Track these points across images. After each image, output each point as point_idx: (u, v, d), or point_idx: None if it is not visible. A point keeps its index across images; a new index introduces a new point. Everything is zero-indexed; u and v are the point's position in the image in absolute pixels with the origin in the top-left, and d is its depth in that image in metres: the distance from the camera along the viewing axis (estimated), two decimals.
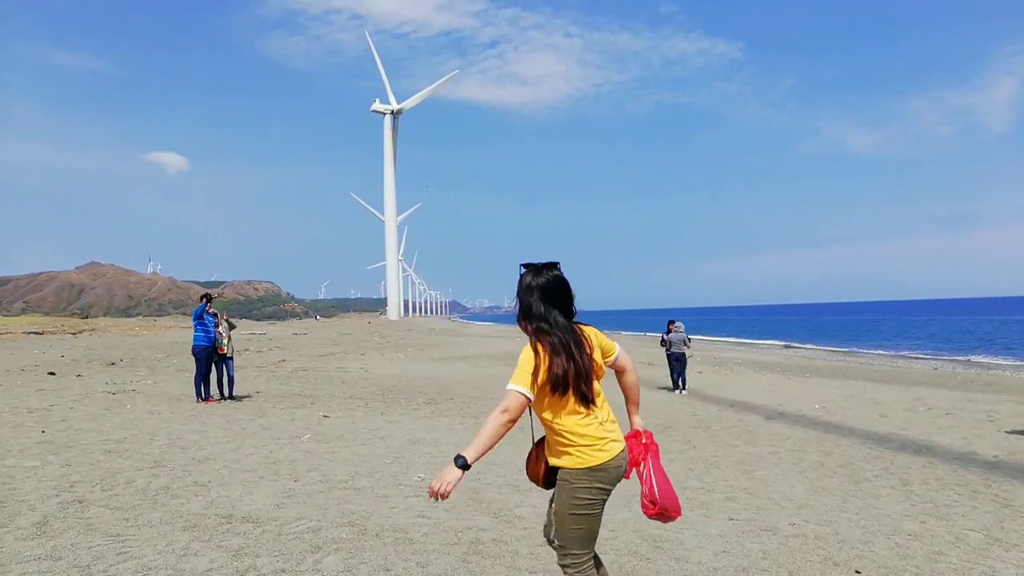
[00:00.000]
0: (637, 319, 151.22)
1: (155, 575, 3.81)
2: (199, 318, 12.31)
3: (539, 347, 2.77)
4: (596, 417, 2.83)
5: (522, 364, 2.74)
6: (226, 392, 12.71)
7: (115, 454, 7.15)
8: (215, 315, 12.60)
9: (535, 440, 3.01)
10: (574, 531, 2.80)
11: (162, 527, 4.61)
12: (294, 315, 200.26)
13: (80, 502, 5.15)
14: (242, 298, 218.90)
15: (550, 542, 2.94)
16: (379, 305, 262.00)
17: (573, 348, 2.79)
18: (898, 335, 56.87)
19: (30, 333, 35.18)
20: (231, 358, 12.89)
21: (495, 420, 2.63)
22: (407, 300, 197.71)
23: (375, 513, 5.13)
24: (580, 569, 2.84)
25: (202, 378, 12.32)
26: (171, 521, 4.73)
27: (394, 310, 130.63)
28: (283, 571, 3.91)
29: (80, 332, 40.18)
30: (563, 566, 2.86)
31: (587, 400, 2.81)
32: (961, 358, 32.73)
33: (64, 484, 5.71)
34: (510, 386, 2.69)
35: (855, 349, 40.86)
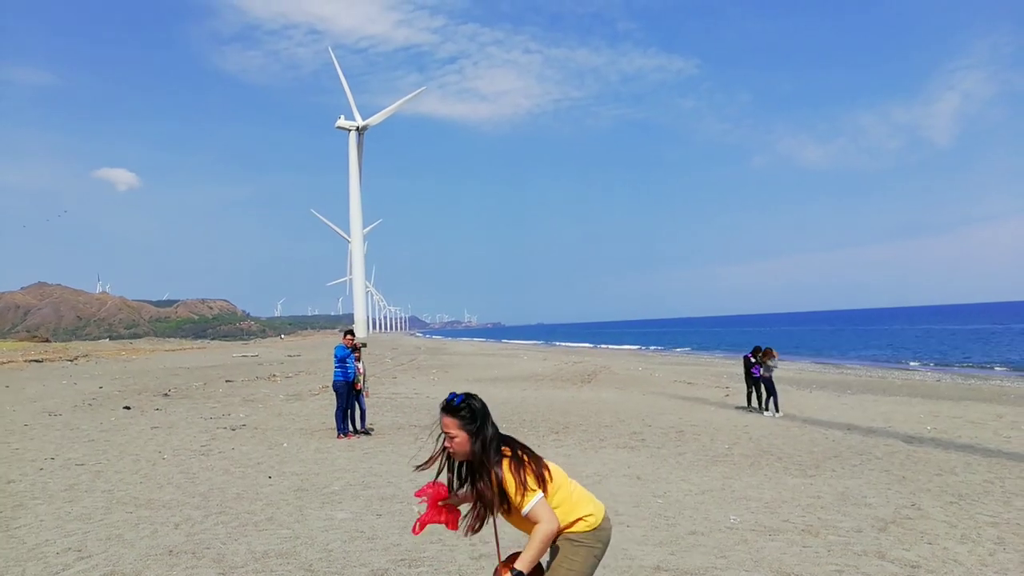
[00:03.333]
0: (610, 332, 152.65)
1: None
2: (343, 360, 12.32)
3: (516, 453, 2.98)
4: None
5: (526, 476, 2.90)
6: (359, 425, 12.71)
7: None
8: (356, 348, 12.62)
9: (504, 559, 3.06)
10: None
11: None
12: (251, 333, 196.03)
13: None
14: (196, 317, 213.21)
15: None
16: (338, 322, 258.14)
17: None
18: (867, 345, 58.91)
19: (32, 361, 33.94)
20: (364, 393, 12.91)
21: (549, 533, 2.86)
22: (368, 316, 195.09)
23: (774, 557, 5.39)
24: None
25: (343, 413, 12.32)
26: None
27: (361, 327, 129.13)
28: None
29: (76, 359, 38.88)
30: None
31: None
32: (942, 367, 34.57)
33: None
34: (534, 500, 2.86)
35: (836, 361, 42.15)
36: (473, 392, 3.05)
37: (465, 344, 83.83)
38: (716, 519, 6.62)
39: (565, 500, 2.99)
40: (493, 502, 2.92)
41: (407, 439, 12.02)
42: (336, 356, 12.46)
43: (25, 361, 33.75)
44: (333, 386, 12.44)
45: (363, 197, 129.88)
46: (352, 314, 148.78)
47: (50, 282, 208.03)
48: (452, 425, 2.96)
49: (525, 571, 2.83)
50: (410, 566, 5.16)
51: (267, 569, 5.15)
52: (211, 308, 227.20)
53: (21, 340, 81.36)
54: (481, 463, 2.95)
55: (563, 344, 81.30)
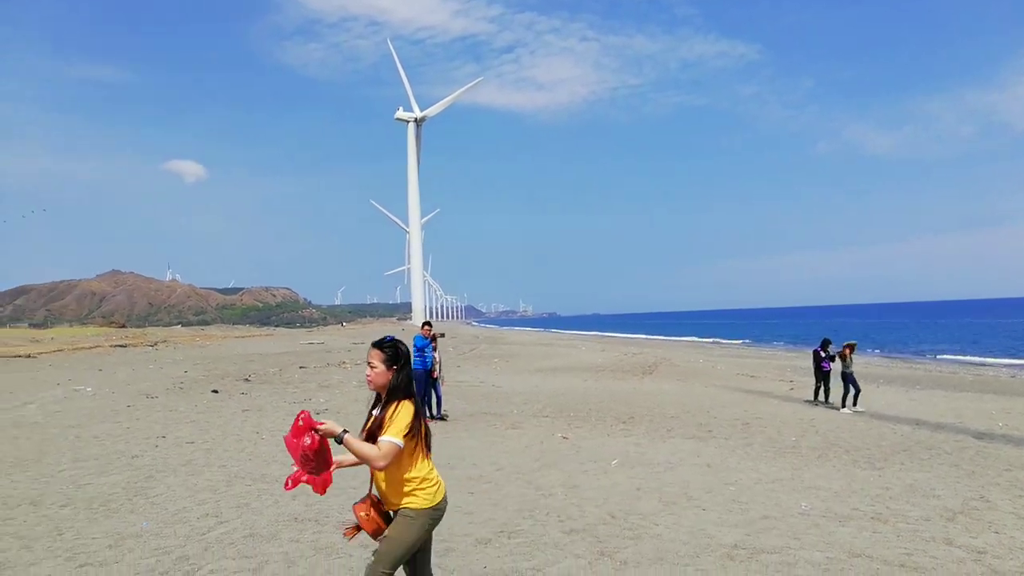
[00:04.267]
0: (667, 323, 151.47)
1: None
2: (421, 350, 13.04)
3: (414, 407, 3.44)
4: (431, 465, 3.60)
5: (403, 421, 3.37)
6: (435, 411, 13.40)
7: (544, 490, 7.80)
8: (433, 338, 13.33)
9: (373, 495, 3.58)
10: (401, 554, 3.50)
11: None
12: (312, 321, 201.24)
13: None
14: (260, 304, 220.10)
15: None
16: (395, 310, 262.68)
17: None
18: (935, 339, 57.19)
19: (117, 346, 35.99)
20: (440, 381, 13.60)
21: (374, 460, 3.30)
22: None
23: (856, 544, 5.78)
24: None
25: (420, 400, 13.01)
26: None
27: (419, 316, 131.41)
28: None
29: (156, 344, 40.97)
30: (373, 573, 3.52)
31: (429, 451, 3.58)
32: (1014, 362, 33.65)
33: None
34: (392, 439, 3.31)
35: (903, 356, 41.16)
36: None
37: (522, 334, 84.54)
38: (787, 506, 7.01)
39: (428, 475, 3.51)
40: (382, 424, 3.38)
41: (481, 425, 12.65)
42: (415, 345, 13.16)
43: (110, 346, 35.80)
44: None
45: (421, 187, 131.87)
46: (410, 303, 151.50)
47: (123, 270, 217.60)
48: (376, 357, 3.49)
49: (344, 440, 3.27)
50: (509, 537, 5.75)
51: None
52: (274, 296, 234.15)
53: (100, 326, 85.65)
54: (390, 395, 3.45)
55: (620, 335, 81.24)
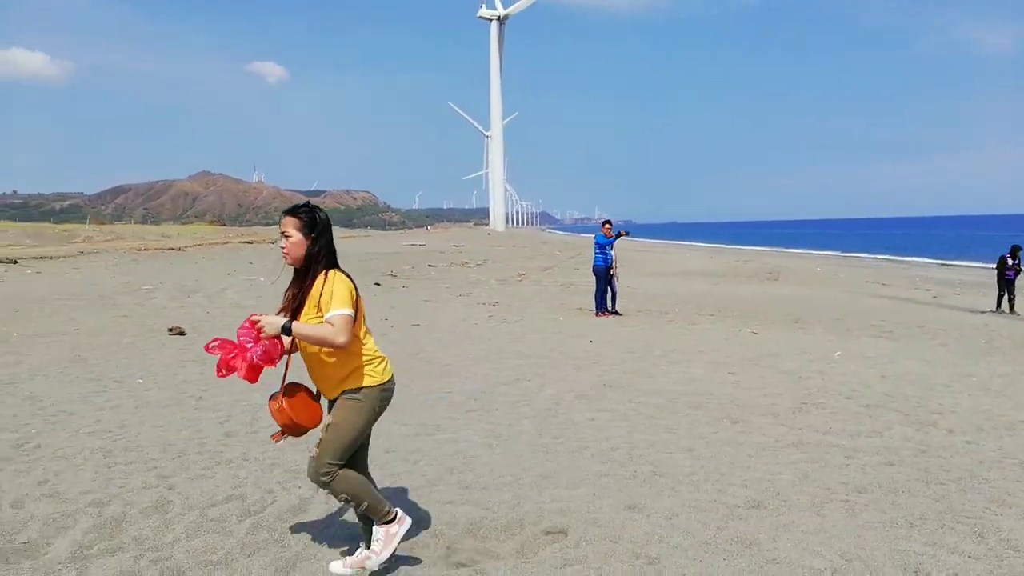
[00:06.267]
0: (753, 232, 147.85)
1: None
2: (603, 247, 13.59)
3: (346, 276, 3.09)
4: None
5: (343, 290, 3.02)
6: (610, 306, 14.02)
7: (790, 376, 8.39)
8: (617, 236, 13.87)
9: (287, 386, 3.21)
10: (349, 441, 3.15)
11: None
12: (392, 224, 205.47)
13: None
14: (342, 207, 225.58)
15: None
16: (472, 215, 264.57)
17: None
18: None
19: (245, 243, 38.01)
20: (615, 278, 14.16)
21: (332, 338, 2.95)
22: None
23: None
24: (335, 477, 3.13)
25: (601, 294, 13.68)
26: None
27: (500, 222, 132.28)
28: None
29: (275, 241, 43.03)
30: (321, 473, 3.12)
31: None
32: None
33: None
34: (342, 310, 2.96)
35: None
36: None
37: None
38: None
39: (374, 351, 3.21)
40: (307, 295, 3.06)
41: (656, 320, 13.20)
42: (597, 243, 13.73)
43: (239, 242, 37.88)
44: (594, 270, 13.77)
45: (503, 89, 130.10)
46: (487, 208, 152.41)
47: (212, 171, 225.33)
48: (290, 224, 3.09)
49: (292, 329, 2.97)
50: (817, 408, 6.31)
51: (678, 402, 6.49)
52: (355, 199, 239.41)
53: (204, 224, 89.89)
54: (313, 267, 3.09)
55: (708, 244, 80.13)
